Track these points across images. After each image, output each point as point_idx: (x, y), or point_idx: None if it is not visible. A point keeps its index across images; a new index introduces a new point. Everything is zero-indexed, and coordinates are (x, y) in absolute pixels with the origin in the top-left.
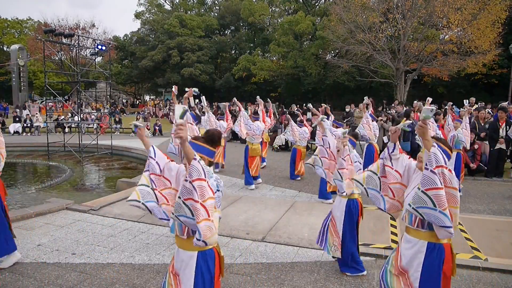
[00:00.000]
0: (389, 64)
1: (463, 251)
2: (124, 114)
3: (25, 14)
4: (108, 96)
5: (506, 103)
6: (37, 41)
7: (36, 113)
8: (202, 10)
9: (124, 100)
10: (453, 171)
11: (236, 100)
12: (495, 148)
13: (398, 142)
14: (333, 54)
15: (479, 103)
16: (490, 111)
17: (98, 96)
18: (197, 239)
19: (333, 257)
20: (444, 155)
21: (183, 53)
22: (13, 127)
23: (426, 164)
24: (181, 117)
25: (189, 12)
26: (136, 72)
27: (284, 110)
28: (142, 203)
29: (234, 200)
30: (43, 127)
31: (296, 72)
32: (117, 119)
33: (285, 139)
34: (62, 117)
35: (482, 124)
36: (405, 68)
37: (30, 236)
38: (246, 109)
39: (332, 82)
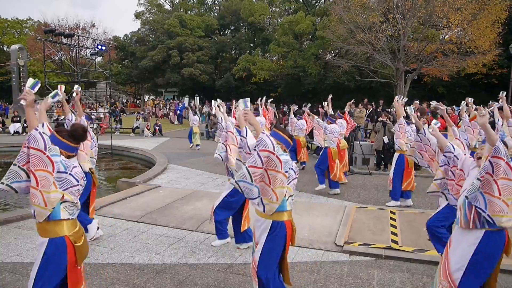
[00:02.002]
0: (389, 64)
1: None
2: (124, 114)
3: (25, 14)
4: (108, 96)
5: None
6: (37, 41)
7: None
8: (202, 10)
9: (124, 100)
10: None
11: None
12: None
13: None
14: (333, 54)
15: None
16: (490, 111)
17: (98, 96)
18: None
19: None
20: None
21: (183, 53)
22: (13, 127)
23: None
24: (32, 87)
25: (189, 12)
26: (136, 72)
27: (285, 111)
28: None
29: None
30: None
31: (296, 72)
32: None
33: None
34: (62, 117)
35: None
36: (405, 68)
37: (30, 236)
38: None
39: (332, 82)
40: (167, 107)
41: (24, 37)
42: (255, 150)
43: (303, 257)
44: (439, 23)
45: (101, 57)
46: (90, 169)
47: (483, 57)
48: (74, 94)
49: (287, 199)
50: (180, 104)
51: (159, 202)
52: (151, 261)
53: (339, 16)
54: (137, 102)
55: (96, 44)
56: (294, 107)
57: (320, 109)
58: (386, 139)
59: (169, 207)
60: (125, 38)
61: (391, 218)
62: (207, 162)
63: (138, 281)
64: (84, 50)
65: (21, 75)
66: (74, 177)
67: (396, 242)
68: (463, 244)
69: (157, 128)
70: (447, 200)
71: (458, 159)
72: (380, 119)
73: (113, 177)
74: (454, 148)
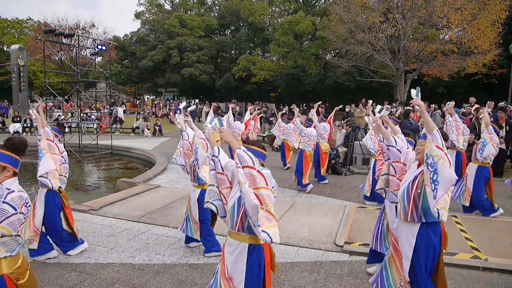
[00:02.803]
0: (389, 64)
1: (463, 251)
2: (124, 114)
3: (25, 14)
4: (108, 96)
5: (503, 103)
6: (37, 41)
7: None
8: (202, 10)
9: (124, 100)
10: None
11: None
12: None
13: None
14: (333, 54)
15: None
16: (490, 111)
17: (98, 96)
18: None
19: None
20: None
21: (183, 53)
22: (13, 127)
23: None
24: None
25: (189, 12)
26: (136, 72)
27: (284, 111)
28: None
29: None
30: None
31: (296, 72)
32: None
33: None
34: (62, 117)
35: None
36: (405, 68)
37: None
38: (246, 109)
39: (332, 82)
40: (167, 107)
41: (24, 37)
42: (238, 167)
43: (303, 257)
44: (439, 23)
45: (101, 57)
46: (59, 188)
47: (483, 57)
48: (35, 109)
49: None
50: (180, 104)
51: (159, 202)
52: (151, 261)
53: (339, 16)
54: (137, 102)
55: (96, 44)
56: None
57: (321, 109)
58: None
59: (169, 207)
60: (125, 38)
61: None
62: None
63: (138, 281)
64: (84, 50)
65: (21, 75)
66: (10, 205)
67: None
68: (407, 237)
69: (157, 128)
70: (385, 197)
71: (401, 152)
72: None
73: (113, 177)
74: (396, 142)
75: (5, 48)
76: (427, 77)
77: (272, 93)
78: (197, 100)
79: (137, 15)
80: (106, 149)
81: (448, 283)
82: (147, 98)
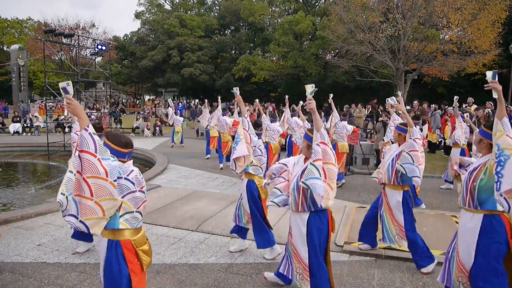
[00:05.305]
0: (389, 64)
1: None
2: (124, 114)
3: (25, 14)
4: (108, 96)
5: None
6: (37, 41)
7: (35, 114)
8: (202, 10)
9: (124, 100)
10: None
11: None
12: None
13: None
14: (333, 54)
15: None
16: (490, 111)
17: (98, 96)
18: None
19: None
20: None
21: (183, 53)
22: (13, 127)
23: None
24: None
25: (189, 12)
26: (136, 72)
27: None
28: None
29: (234, 200)
30: (43, 127)
31: (296, 72)
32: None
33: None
34: (62, 117)
35: (482, 124)
36: (405, 68)
37: (30, 236)
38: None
39: (332, 82)
40: (167, 107)
41: (24, 37)
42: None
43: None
44: (439, 23)
45: (101, 57)
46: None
47: (483, 57)
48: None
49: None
50: (180, 104)
51: (159, 202)
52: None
53: (339, 16)
54: (137, 102)
55: (96, 44)
56: (295, 108)
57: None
58: (386, 139)
59: (169, 207)
60: (125, 38)
61: None
62: (207, 162)
63: None
64: (84, 50)
65: (21, 75)
66: (131, 181)
67: None
68: (299, 226)
69: (157, 128)
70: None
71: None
72: (380, 119)
73: None
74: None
75: (5, 48)
76: (427, 77)
77: (272, 93)
78: (197, 100)
79: (137, 15)
80: None
81: None
82: (148, 99)
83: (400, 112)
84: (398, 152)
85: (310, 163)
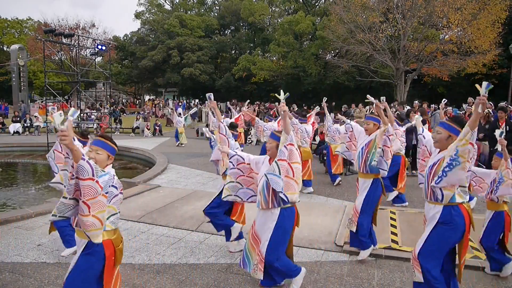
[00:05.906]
0: (389, 64)
1: None
2: (124, 114)
3: (25, 14)
4: (108, 96)
5: (504, 103)
6: (37, 41)
7: (35, 113)
8: (202, 10)
9: (124, 100)
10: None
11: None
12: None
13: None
14: (333, 54)
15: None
16: (490, 111)
17: (98, 96)
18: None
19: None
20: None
21: (183, 53)
22: (13, 127)
23: None
24: (62, 123)
25: (189, 12)
26: (136, 72)
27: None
28: None
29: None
30: (43, 127)
31: (296, 72)
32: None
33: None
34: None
35: (483, 124)
36: (405, 68)
37: (30, 236)
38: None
39: (332, 82)
40: (168, 106)
41: (24, 37)
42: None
43: (303, 257)
44: (439, 23)
45: (101, 57)
46: None
47: (483, 57)
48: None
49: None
50: (180, 104)
51: (159, 202)
52: (151, 261)
53: (339, 16)
54: (137, 102)
55: (96, 44)
56: (295, 108)
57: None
58: None
59: (169, 207)
60: (125, 38)
61: (391, 218)
62: (207, 162)
63: (138, 281)
64: (84, 50)
65: (21, 75)
66: (115, 187)
67: (396, 242)
68: (267, 223)
69: (157, 128)
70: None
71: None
72: None
73: None
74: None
75: (5, 48)
76: (427, 77)
77: (272, 93)
78: (197, 101)
79: (137, 15)
80: None
81: None
82: (149, 99)
83: (376, 113)
84: (367, 141)
85: (275, 161)
